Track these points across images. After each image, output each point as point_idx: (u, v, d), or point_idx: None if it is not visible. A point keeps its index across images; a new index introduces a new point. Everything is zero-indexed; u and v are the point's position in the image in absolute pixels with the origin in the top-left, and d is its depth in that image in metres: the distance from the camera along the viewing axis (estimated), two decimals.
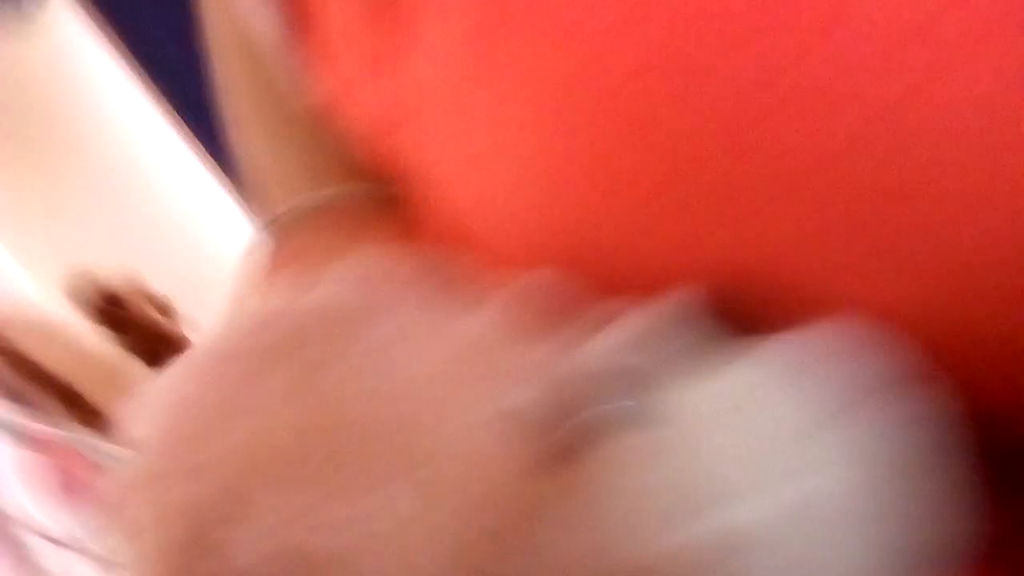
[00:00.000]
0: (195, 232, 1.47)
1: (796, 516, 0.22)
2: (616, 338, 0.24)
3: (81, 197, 1.69)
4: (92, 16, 1.56)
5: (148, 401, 0.23)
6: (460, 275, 0.26)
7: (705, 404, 0.24)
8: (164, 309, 1.12)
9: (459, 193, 0.27)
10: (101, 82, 1.62)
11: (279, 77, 0.38)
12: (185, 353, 0.23)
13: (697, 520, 0.22)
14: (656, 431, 0.23)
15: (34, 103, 1.64)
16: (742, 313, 0.25)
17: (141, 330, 1.00)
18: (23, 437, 0.81)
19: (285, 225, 0.39)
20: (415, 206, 0.33)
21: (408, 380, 0.22)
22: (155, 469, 0.21)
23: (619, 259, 0.25)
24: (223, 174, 1.48)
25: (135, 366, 1.07)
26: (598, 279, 0.25)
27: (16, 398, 0.92)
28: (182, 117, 1.56)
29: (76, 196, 1.75)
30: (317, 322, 0.22)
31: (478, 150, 0.25)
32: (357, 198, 0.38)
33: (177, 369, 0.23)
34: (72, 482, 0.82)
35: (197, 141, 1.55)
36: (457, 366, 0.22)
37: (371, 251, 0.26)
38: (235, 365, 0.21)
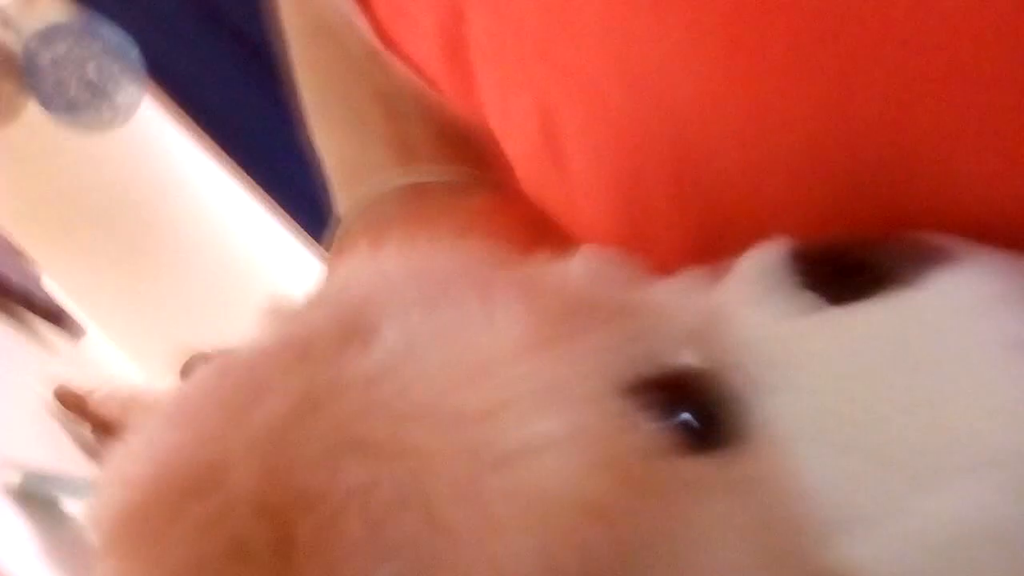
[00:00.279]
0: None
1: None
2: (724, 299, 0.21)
3: (177, 280, 1.74)
4: (181, 110, 1.63)
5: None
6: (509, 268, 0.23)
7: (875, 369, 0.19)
8: None
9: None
10: (192, 173, 1.68)
11: (362, 56, 0.37)
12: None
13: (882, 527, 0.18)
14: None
15: (129, 197, 1.71)
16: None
17: None
18: None
19: (369, 205, 0.37)
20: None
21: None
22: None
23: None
24: (316, 246, 1.51)
25: None
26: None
27: None
28: (272, 197, 1.60)
29: (172, 280, 1.80)
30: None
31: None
32: (449, 178, 0.37)
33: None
34: None
35: (289, 218, 1.60)
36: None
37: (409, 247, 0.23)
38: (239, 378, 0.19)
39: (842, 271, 0.21)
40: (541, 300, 0.20)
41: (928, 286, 0.20)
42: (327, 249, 0.39)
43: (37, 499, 0.86)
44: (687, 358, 0.20)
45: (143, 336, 1.72)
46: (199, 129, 1.66)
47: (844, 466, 0.18)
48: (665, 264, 0.24)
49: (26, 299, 1.28)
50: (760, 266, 0.22)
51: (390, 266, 0.21)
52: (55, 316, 1.36)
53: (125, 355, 1.74)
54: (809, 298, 0.20)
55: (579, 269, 0.22)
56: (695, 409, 0.19)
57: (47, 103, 1.50)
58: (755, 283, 0.22)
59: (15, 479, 0.84)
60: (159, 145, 1.69)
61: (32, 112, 1.49)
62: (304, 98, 0.41)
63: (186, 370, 0.27)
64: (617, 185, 0.26)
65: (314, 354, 0.18)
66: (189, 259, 1.81)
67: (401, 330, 0.19)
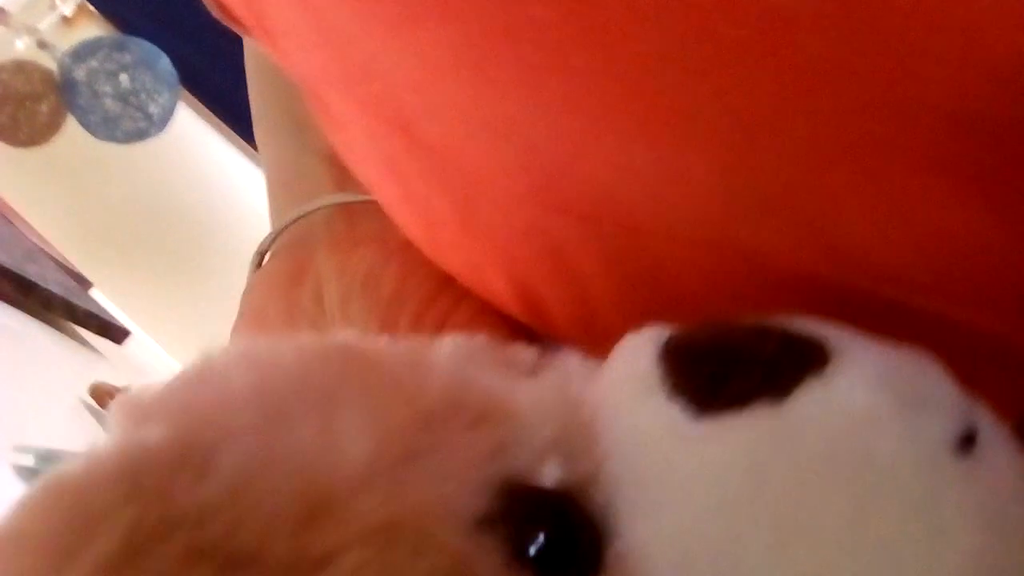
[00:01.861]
0: None
1: None
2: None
3: (217, 283, 1.77)
4: (217, 116, 1.66)
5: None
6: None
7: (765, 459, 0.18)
8: None
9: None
10: (230, 177, 1.71)
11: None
12: None
13: None
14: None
15: (169, 204, 1.75)
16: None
17: None
18: None
19: (298, 225, 0.37)
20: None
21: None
22: None
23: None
24: None
25: None
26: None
27: None
28: None
29: (213, 282, 1.84)
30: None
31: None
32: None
33: None
34: None
35: None
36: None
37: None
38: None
39: (717, 375, 0.19)
40: (393, 412, 0.19)
41: (804, 399, 0.18)
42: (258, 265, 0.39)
43: None
44: (551, 471, 0.19)
45: (186, 337, 1.76)
46: (235, 134, 1.68)
47: None
48: (557, 335, 0.24)
49: (69, 310, 1.32)
50: (632, 363, 0.20)
51: (234, 377, 0.20)
52: (98, 324, 1.41)
53: (170, 357, 1.78)
54: (681, 406, 0.19)
55: (446, 359, 0.21)
56: (553, 539, 0.18)
57: (83, 118, 1.54)
58: (625, 384, 0.20)
59: (28, 461, 0.86)
60: (196, 152, 1.73)
61: (71, 128, 1.54)
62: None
63: (95, 395, 0.27)
64: (510, 262, 0.26)
65: (146, 484, 0.17)
66: (228, 261, 1.83)
67: (237, 459, 0.18)
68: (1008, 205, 0.19)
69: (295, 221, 0.38)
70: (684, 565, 0.18)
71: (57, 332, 1.29)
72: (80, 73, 1.54)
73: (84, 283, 1.67)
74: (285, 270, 0.37)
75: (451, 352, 0.22)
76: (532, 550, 0.17)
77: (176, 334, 1.80)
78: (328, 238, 0.36)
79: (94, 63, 1.54)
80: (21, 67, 1.51)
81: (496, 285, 0.27)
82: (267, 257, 0.39)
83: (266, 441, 0.18)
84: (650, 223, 0.22)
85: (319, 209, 0.37)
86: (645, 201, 0.22)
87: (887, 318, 0.21)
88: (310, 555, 0.16)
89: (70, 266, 1.65)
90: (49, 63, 1.49)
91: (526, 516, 0.18)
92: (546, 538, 0.18)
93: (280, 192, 0.41)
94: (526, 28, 0.18)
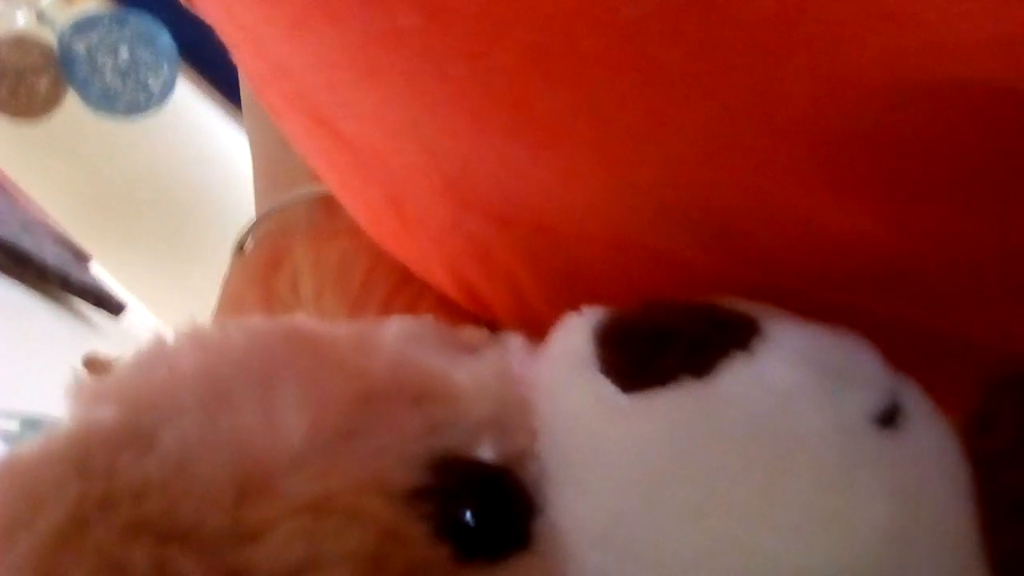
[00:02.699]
0: None
1: None
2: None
3: (218, 257, 1.77)
4: (217, 91, 1.66)
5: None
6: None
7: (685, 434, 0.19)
8: None
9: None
10: (231, 152, 1.71)
11: None
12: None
13: None
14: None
15: (170, 179, 1.75)
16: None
17: None
18: None
19: (279, 213, 0.38)
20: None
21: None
22: None
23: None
24: None
25: None
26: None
27: None
28: None
29: (213, 257, 1.83)
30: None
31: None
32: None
33: None
34: None
35: None
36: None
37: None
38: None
39: (646, 353, 0.20)
40: (332, 393, 0.19)
41: (728, 374, 0.19)
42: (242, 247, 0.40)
43: None
44: (488, 447, 0.20)
45: (184, 311, 1.76)
46: (235, 109, 1.68)
47: (633, 570, 0.18)
48: (500, 325, 0.24)
49: (64, 282, 1.33)
50: (568, 343, 0.21)
51: (180, 360, 0.20)
52: (94, 296, 1.42)
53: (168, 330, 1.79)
54: (612, 385, 0.19)
55: (391, 340, 0.22)
56: (481, 512, 0.18)
57: (83, 92, 1.54)
58: (560, 362, 0.21)
59: (13, 427, 0.86)
60: (196, 127, 1.73)
61: (71, 102, 1.54)
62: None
63: (87, 365, 0.27)
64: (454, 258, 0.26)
65: (91, 463, 0.18)
66: (227, 235, 1.83)
67: (178, 437, 0.18)
68: (895, 211, 0.19)
69: (274, 211, 0.39)
70: (605, 536, 0.18)
71: (52, 303, 1.30)
72: (80, 47, 1.53)
73: (83, 258, 1.68)
74: (264, 258, 0.37)
75: (396, 333, 0.22)
76: (461, 523, 0.18)
77: (174, 308, 1.81)
78: (307, 228, 0.37)
79: (94, 37, 1.54)
80: (21, 41, 1.51)
81: (439, 277, 0.28)
82: (248, 244, 0.40)
83: (207, 420, 0.19)
84: (560, 224, 0.22)
85: (300, 199, 0.38)
86: (549, 202, 0.22)
87: (819, 314, 0.21)
88: (244, 529, 0.17)
89: (69, 240, 1.65)
90: (49, 37, 1.49)
91: (457, 490, 0.19)
92: (475, 512, 0.18)
93: (263, 181, 0.41)
94: (400, 36, 0.18)
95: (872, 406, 0.19)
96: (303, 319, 0.23)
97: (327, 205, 0.37)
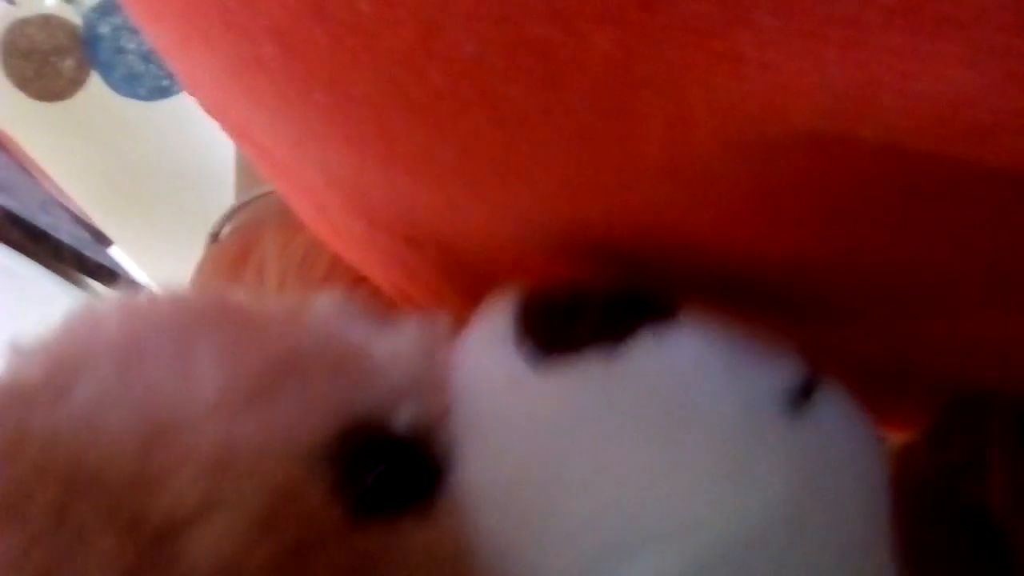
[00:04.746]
0: None
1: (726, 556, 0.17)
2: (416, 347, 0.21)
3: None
4: None
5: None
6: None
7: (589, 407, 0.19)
8: None
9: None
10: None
11: None
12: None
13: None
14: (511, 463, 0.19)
15: (191, 162, 1.76)
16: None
17: None
18: None
19: (255, 203, 0.39)
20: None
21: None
22: None
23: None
24: None
25: None
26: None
27: None
28: None
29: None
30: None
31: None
32: None
33: None
34: None
35: None
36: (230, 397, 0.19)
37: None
38: None
39: (558, 326, 0.20)
40: (250, 354, 0.20)
41: (636, 350, 0.19)
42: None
43: None
44: (402, 414, 0.20)
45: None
46: None
47: (530, 533, 0.18)
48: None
49: (79, 262, 1.34)
50: (489, 318, 0.21)
51: (105, 323, 0.21)
52: (109, 277, 1.43)
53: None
54: (524, 354, 0.20)
55: (317, 313, 0.22)
56: (387, 472, 0.19)
57: (107, 74, 1.56)
58: (479, 336, 0.21)
59: None
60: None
61: (94, 83, 1.55)
62: None
63: None
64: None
65: (6, 407, 0.19)
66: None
67: (91, 390, 0.19)
68: (768, 238, 0.19)
69: (249, 202, 0.41)
70: (503, 503, 0.19)
71: (67, 283, 1.31)
72: (104, 29, 1.55)
73: (103, 240, 1.69)
74: (235, 247, 0.39)
75: (323, 307, 0.23)
76: (361, 486, 0.18)
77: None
78: (277, 220, 0.38)
79: (118, 19, 1.55)
80: (47, 22, 1.53)
81: (374, 276, 0.28)
82: (224, 233, 0.41)
83: (121, 375, 0.19)
84: (462, 245, 0.23)
85: (273, 192, 0.39)
86: (444, 225, 0.22)
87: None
88: (145, 476, 0.18)
89: (89, 221, 1.67)
90: (74, 18, 1.51)
91: (359, 453, 0.19)
92: (375, 475, 0.19)
93: (243, 173, 0.42)
94: (265, 63, 0.19)
95: (779, 391, 0.19)
96: (235, 293, 0.23)
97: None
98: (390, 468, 0.19)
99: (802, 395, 0.19)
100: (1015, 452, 0.24)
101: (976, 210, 0.17)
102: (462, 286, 0.25)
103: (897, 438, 0.25)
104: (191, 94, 0.23)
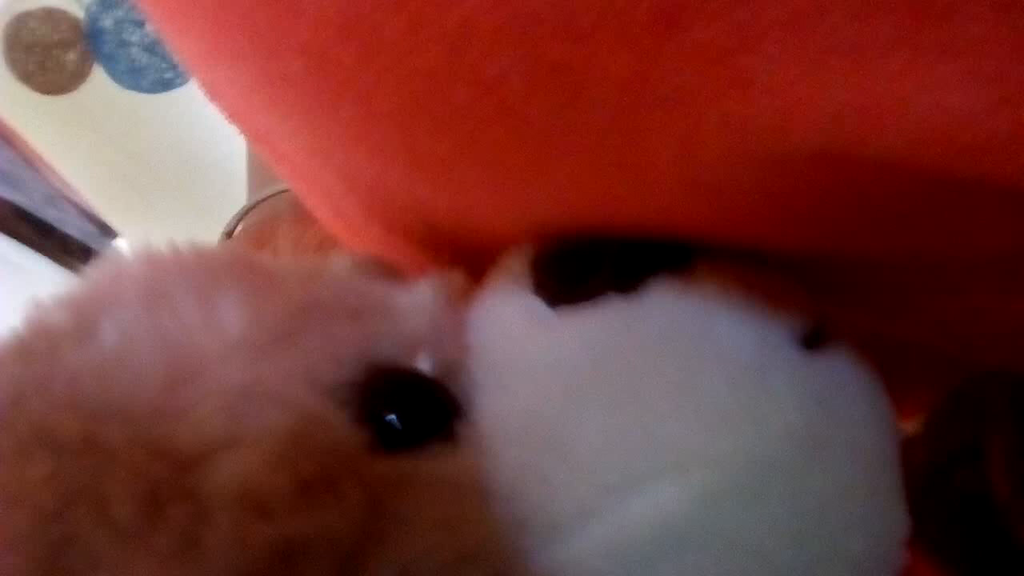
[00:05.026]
0: None
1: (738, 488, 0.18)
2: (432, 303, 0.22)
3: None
4: None
5: None
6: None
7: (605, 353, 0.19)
8: None
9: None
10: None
11: None
12: None
13: (599, 520, 0.18)
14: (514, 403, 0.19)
15: (195, 155, 1.76)
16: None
17: None
18: None
19: (269, 200, 0.39)
20: None
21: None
22: None
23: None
24: None
25: None
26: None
27: None
28: None
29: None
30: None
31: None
32: None
33: None
34: None
35: None
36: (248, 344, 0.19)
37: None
38: None
39: (576, 274, 0.21)
40: (272, 301, 0.20)
41: (653, 293, 0.20)
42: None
43: None
44: (420, 361, 0.20)
45: None
46: None
47: (542, 468, 0.19)
48: None
49: (86, 255, 1.35)
50: (507, 270, 0.22)
51: (131, 268, 0.21)
52: None
53: None
54: (542, 300, 0.20)
55: (335, 271, 0.23)
56: (406, 410, 0.19)
57: (110, 67, 1.56)
58: (497, 286, 0.22)
59: None
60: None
61: (97, 76, 1.55)
62: None
63: None
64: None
65: (33, 349, 0.19)
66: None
67: (118, 330, 0.19)
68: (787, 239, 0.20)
69: (262, 200, 0.41)
70: (523, 433, 0.19)
71: (75, 276, 1.31)
72: (107, 22, 1.55)
73: (109, 232, 1.69)
74: (249, 240, 0.40)
75: (344, 264, 0.23)
76: (384, 418, 0.19)
77: None
78: (292, 214, 0.39)
79: (121, 12, 1.55)
80: (50, 15, 1.53)
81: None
82: (236, 233, 0.42)
83: (148, 315, 0.20)
84: (482, 251, 0.23)
85: (286, 190, 0.40)
86: (462, 232, 0.23)
87: None
88: (172, 409, 0.18)
89: (94, 214, 1.67)
90: (77, 11, 1.51)
91: (383, 387, 0.19)
92: (398, 409, 0.19)
93: (256, 172, 0.43)
94: (292, 78, 0.19)
95: (793, 329, 0.19)
96: (254, 251, 0.24)
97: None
98: (412, 402, 0.19)
99: (814, 340, 0.19)
100: (1015, 439, 0.24)
101: (972, 213, 0.18)
102: (475, 288, 0.25)
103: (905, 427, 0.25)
104: (212, 102, 0.24)
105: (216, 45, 0.20)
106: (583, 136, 0.18)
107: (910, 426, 0.27)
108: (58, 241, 1.28)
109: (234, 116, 0.24)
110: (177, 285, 0.20)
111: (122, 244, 1.70)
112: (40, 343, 0.19)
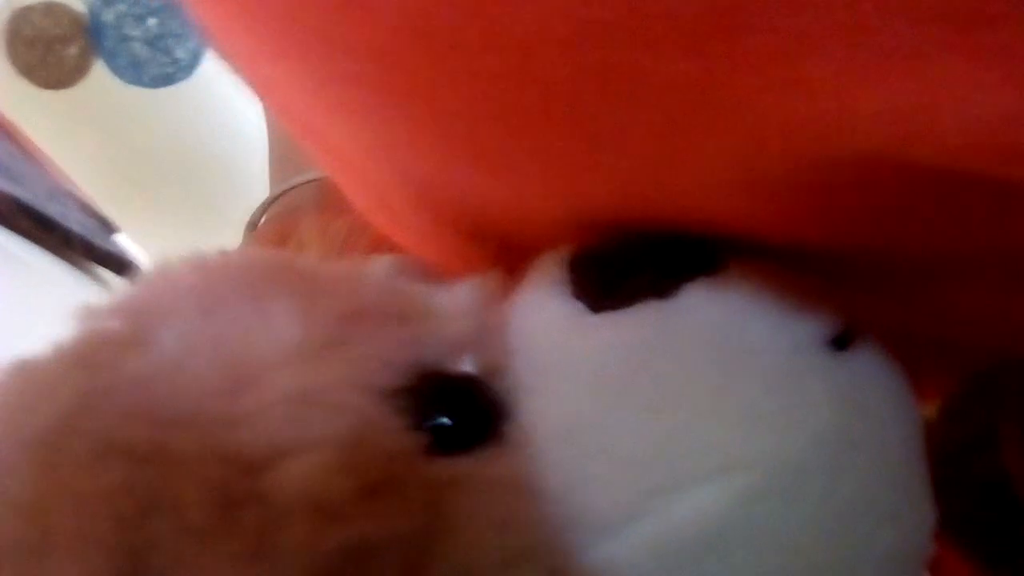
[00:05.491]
0: None
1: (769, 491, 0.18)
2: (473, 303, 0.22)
3: (239, 229, 1.79)
4: None
5: None
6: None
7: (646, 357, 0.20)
8: None
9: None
10: (257, 124, 1.72)
11: None
12: None
13: (644, 518, 0.19)
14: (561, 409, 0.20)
15: (197, 150, 1.76)
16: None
17: None
18: None
19: (290, 192, 0.40)
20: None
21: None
22: None
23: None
24: None
25: None
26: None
27: None
28: None
29: (239, 229, 1.85)
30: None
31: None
32: None
33: None
34: None
35: None
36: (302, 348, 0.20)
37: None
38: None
39: (613, 277, 0.21)
40: (322, 306, 0.21)
41: (689, 295, 0.20)
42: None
43: None
44: (464, 363, 0.21)
45: None
46: None
47: (590, 470, 0.19)
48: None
49: (88, 249, 1.34)
50: (544, 273, 0.23)
51: (182, 276, 0.22)
52: (117, 264, 1.43)
53: None
54: (581, 304, 0.21)
55: (377, 274, 0.23)
56: (456, 413, 0.20)
57: (111, 61, 1.56)
58: (535, 289, 0.22)
59: None
60: (223, 98, 1.74)
61: (99, 71, 1.55)
62: None
63: None
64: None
65: (96, 358, 0.20)
66: (254, 207, 1.86)
67: (177, 338, 0.20)
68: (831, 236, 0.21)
69: (286, 191, 0.42)
70: (569, 434, 0.20)
71: (76, 270, 1.31)
72: (109, 16, 1.55)
73: (110, 227, 1.69)
74: (274, 231, 0.40)
75: (383, 267, 0.24)
76: (436, 421, 0.19)
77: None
78: (316, 206, 0.39)
79: (123, 7, 1.55)
80: (51, 9, 1.53)
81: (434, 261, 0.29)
82: (260, 224, 0.42)
83: (206, 323, 0.20)
84: (531, 242, 0.24)
85: (310, 181, 0.40)
86: (513, 225, 0.24)
87: None
88: (236, 415, 0.18)
89: (95, 209, 1.67)
90: (79, 5, 1.51)
91: (434, 392, 0.20)
92: (450, 412, 0.20)
93: (278, 164, 0.43)
94: (357, 78, 0.20)
95: (824, 332, 0.20)
96: (296, 255, 0.25)
97: (337, 187, 0.38)
98: (463, 405, 0.20)
99: (843, 342, 0.20)
100: None
101: (1005, 211, 0.19)
102: (519, 281, 0.26)
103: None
104: (259, 96, 0.24)
105: (282, 43, 0.21)
106: (644, 135, 0.18)
107: (926, 411, 0.28)
108: (61, 236, 1.27)
109: (284, 110, 0.24)
110: (229, 292, 0.21)
111: (123, 239, 1.70)
112: (100, 352, 0.20)
